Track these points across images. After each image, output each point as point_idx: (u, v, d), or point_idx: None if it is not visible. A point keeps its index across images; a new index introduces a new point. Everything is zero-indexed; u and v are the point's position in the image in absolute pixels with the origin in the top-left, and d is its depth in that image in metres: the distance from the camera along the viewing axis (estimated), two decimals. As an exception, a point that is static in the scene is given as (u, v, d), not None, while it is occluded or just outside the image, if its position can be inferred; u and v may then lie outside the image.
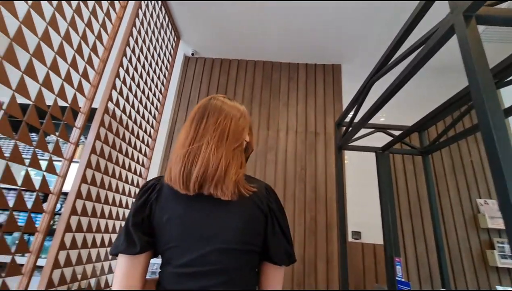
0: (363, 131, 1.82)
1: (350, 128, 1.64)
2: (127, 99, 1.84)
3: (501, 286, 2.27)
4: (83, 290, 1.56)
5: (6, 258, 1.08)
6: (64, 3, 1.30)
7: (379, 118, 2.66)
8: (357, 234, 2.41)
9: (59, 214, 1.44)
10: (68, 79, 1.33)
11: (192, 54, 2.91)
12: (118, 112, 1.78)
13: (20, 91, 1.08)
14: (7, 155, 1.04)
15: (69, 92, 1.34)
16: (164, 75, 2.46)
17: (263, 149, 2.62)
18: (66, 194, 1.41)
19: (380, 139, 1.94)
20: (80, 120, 1.43)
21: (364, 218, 2.45)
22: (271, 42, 2.69)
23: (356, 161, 2.62)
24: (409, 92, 2.71)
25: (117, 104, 1.73)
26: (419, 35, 0.97)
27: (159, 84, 2.36)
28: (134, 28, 1.86)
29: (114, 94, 1.70)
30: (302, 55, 2.85)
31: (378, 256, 2.29)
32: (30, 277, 1.17)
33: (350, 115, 1.66)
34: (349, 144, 1.78)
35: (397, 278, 1.43)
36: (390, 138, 1.77)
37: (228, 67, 2.95)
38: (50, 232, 1.30)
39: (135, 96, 1.95)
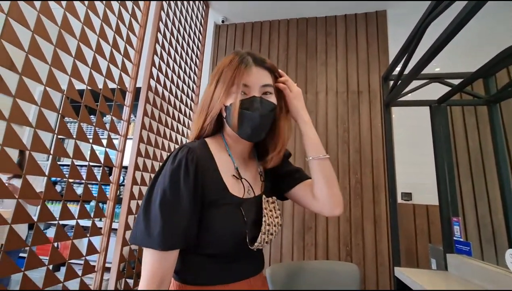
0: (414, 84, 1.63)
1: (399, 81, 1.48)
2: (166, 75, 1.90)
3: None
4: None
5: (87, 223, 1.28)
6: (98, -15, 1.33)
7: (433, 68, 2.34)
8: (407, 195, 2.30)
9: (123, 185, 1.63)
10: (112, 60, 1.41)
11: (223, 21, 2.83)
12: (160, 89, 1.86)
13: (75, 76, 1.18)
14: (74, 135, 1.18)
15: (115, 73, 1.43)
16: (198, 47, 2.46)
17: (302, 113, 2.54)
18: (126, 167, 1.58)
19: (433, 92, 1.72)
20: (128, 99, 1.54)
21: (415, 178, 2.30)
22: (305, -4, 2.46)
23: (403, 118, 2.39)
24: (468, 32, 2.30)
25: (158, 81, 1.80)
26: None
27: (194, 57, 2.38)
28: (164, 2, 1.85)
29: (154, 71, 1.76)
30: (340, 5, 2.57)
31: (432, 217, 2.17)
32: (108, 237, 1.38)
33: (398, 68, 1.49)
34: (398, 99, 1.62)
35: (454, 238, 1.35)
36: (446, 90, 1.56)
37: (260, 31, 2.82)
38: (118, 200, 1.49)
39: (173, 71, 2.00)
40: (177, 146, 2.08)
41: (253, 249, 0.57)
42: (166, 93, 1.93)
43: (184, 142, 2.21)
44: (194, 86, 2.40)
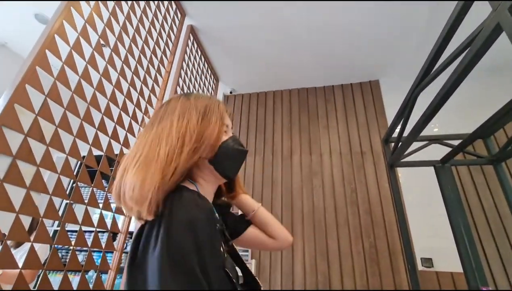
0: (415, 145, 1.69)
1: (400, 143, 1.55)
2: (177, 141, 2.02)
3: None
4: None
5: (86, 295, 1.20)
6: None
7: (432, 129, 2.45)
8: (428, 261, 2.12)
9: (126, 253, 1.57)
10: (130, 130, 1.53)
11: (231, 92, 3.13)
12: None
13: (95, 145, 1.27)
14: (86, 200, 1.21)
15: (131, 140, 1.54)
16: (208, 115, 2.67)
17: (307, 174, 2.57)
18: (131, 233, 1.55)
19: (436, 151, 1.76)
20: (140, 164, 1.61)
21: (434, 242, 2.16)
22: (304, 70, 2.77)
23: (411, 178, 2.39)
24: (461, 97, 2.47)
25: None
26: (461, 38, 0.92)
27: (204, 124, 2.57)
28: (180, 79, 2.10)
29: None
30: (336, 76, 2.86)
31: (460, 286, 1.96)
32: (105, 313, 1.27)
33: (397, 130, 1.57)
34: (402, 160, 1.66)
35: (489, 313, 1.20)
36: (448, 149, 1.61)
37: (264, 99, 3.08)
38: (120, 270, 1.42)
39: (184, 137, 2.14)
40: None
41: None
42: (176, 158, 2.02)
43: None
44: (203, 150, 2.52)
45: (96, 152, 1.29)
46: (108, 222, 1.34)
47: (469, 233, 1.38)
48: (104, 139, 1.36)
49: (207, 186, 0.58)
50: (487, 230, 2.13)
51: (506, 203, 2.20)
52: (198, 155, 0.53)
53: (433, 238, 2.15)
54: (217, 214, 0.59)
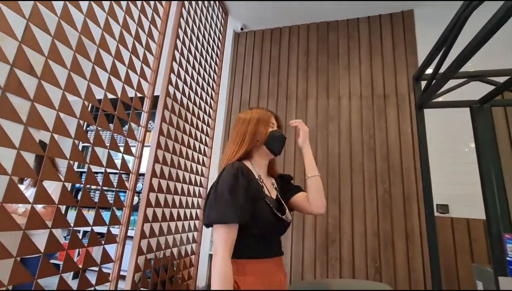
0: (448, 84, 1.47)
1: (434, 81, 1.34)
2: (185, 82, 1.89)
3: None
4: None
5: (104, 229, 1.25)
6: (118, -8, 1.35)
7: (467, 68, 2.15)
8: (443, 208, 2.08)
9: (140, 193, 1.60)
10: (131, 66, 1.41)
11: (242, 28, 2.82)
12: (178, 95, 1.84)
13: (93, 81, 1.18)
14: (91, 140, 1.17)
15: (134, 79, 1.42)
16: (217, 54, 2.46)
17: (323, 119, 2.43)
18: (143, 174, 1.56)
19: (470, 93, 1.54)
20: (146, 105, 1.53)
21: (451, 189, 2.08)
22: (325, -1, 2.39)
23: (434, 122, 2.19)
24: (505, 28, 2.09)
25: (176, 87, 1.79)
26: None
27: (213, 64, 2.37)
28: (183, 9, 1.86)
29: (173, 78, 1.75)
30: (363, 6, 2.47)
31: (474, 233, 1.94)
32: (123, 244, 1.34)
33: (430, 69, 1.36)
34: (432, 101, 1.48)
35: (508, 259, 1.16)
36: (481, 90, 1.40)
37: (279, 37, 2.78)
38: (134, 208, 1.47)
39: (192, 78, 1.99)
40: (195, 153, 2.05)
41: (278, 236, 0.90)
42: (185, 100, 1.92)
43: (203, 149, 2.17)
44: (213, 93, 2.38)
45: (98, 94, 1.20)
46: (118, 162, 1.33)
47: (500, 180, 1.27)
48: (103, 76, 1.25)
49: (260, 159, 0.95)
50: (514, 178, 2.01)
51: (541, 150, 2.02)
52: (254, 141, 0.92)
53: (451, 185, 2.07)
54: (255, 173, 0.91)
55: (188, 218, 1.95)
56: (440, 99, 1.64)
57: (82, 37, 1.13)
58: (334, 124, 2.39)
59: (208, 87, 2.28)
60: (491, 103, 1.39)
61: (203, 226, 2.05)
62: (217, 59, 2.47)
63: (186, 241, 1.93)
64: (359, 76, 2.44)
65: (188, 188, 1.97)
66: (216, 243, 0.74)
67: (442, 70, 1.23)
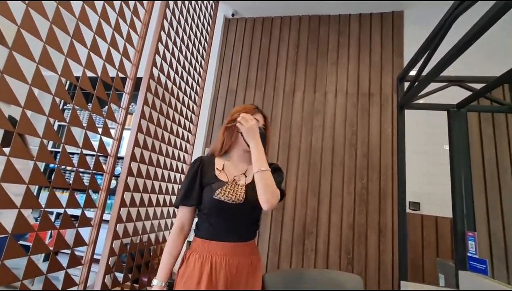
0: (430, 87, 1.53)
1: (416, 83, 1.38)
2: (170, 65, 1.83)
3: None
4: (144, 243, 1.72)
5: (78, 212, 1.21)
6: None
7: (448, 73, 2.23)
8: (415, 205, 2.19)
9: (116, 176, 1.56)
10: (113, 44, 1.34)
11: (233, 14, 2.75)
12: (163, 79, 1.79)
13: (71, 56, 1.11)
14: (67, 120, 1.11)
15: (116, 57, 1.36)
16: (205, 39, 2.39)
17: (309, 113, 2.45)
18: (122, 158, 1.52)
19: (445, 98, 1.61)
20: (128, 86, 1.47)
21: (424, 188, 2.19)
22: (319, -8, 2.38)
23: (415, 123, 2.28)
24: (488, 36, 2.18)
25: (161, 70, 1.73)
26: None
27: (201, 49, 2.31)
28: (172, -12, 1.78)
29: (158, 60, 1.69)
30: (355, 4, 2.47)
31: (441, 230, 2.06)
32: (98, 228, 1.31)
33: (416, 68, 1.39)
34: (413, 102, 1.52)
35: (469, 254, 1.24)
36: (460, 95, 1.46)
37: (270, 26, 2.74)
38: (112, 191, 1.43)
39: (178, 62, 1.93)
40: (178, 139, 2.01)
41: (235, 221, 0.94)
42: (170, 84, 1.86)
43: (186, 136, 2.14)
44: (200, 79, 2.33)
45: (76, 71, 1.14)
46: (96, 144, 1.28)
47: (469, 182, 1.35)
48: (83, 52, 1.18)
49: (238, 150, 1.03)
50: (482, 181, 2.14)
51: (507, 157, 2.16)
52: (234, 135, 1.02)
53: (424, 184, 2.18)
54: (219, 164, 1.01)
55: (168, 204, 1.93)
56: (421, 101, 1.70)
57: (61, 9, 1.06)
58: (319, 119, 2.42)
59: (195, 73, 2.22)
60: (467, 108, 1.45)
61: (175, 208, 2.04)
62: (206, 44, 2.40)
63: (165, 227, 1.91)
64: (347, 73, 2.47)
65: (169, 174, 1.94)
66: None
67: (425, 72, 1.26)
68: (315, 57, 2.57)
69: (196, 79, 2.25)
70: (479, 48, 2.12)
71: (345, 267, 2.09)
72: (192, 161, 0.96)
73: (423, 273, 2.04)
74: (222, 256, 0.89)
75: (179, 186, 0.96)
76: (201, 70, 2.34)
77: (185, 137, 2.13)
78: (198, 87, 2.30)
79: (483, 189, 2.13)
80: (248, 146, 0.95)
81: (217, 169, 0.98)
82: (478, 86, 1.45)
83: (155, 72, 1.68)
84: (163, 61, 1.75)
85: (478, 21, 0.88)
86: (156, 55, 1.65)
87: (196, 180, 0.94)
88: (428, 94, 1.55)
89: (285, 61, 2.62)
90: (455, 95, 1.52)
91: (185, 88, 2.07)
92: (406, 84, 1.57)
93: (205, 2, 2.32)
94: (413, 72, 1.52)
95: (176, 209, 0.95)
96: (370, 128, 2.32)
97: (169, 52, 1.81)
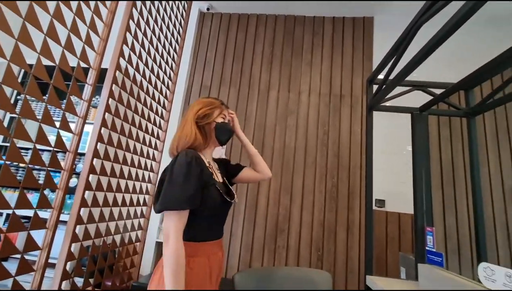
0: (397, 91, 1.61)
1: (384, 86, 1.45)
2: (140, 57, 1.73)
3: (537, 260, 2.11)
4: (108, 245, 1.62)
5: (31, 213, 1.10)
6: None
7: (413, 78, 2.38)
8: (380, 202, 2.30)
9: (77, 174, 1.44)
10: (74, 30, 1.23)
11: (208, 9, 2.69)
12: (131, 71, 1.69)
13: (24, 41, 1.00)
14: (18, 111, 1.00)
15: (77, 45, 1.25)
16: (179, 32, 2.30)
17: (283, 112, 2.47)
18: (82, 154, 1.40)
19: (413, 100, 1.71)
20: (91, 77, 1.36)
21: (389, 186, 2.32)
22: (295, -8, 2.40)
23: (379, 126, 2.41)
24: (448, 46, 2.37)
25: (129, 61, 1.64)
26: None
27: (174, 43, 2.22)
28: (143, -25, 1.68)
29: (126, 50, 1.59)
30: (329, 6, 2.53)
31: (403, 225, 2.19)
32: (54, 230, 1.20)
33: (384, 72, 1.46)
34: (381, 104, 1.60)
35: (427, 248, 1.33)
36: (425, 99, 1.56)
37: (246, 23, 2.72)
38: (72, 190, 1.31)
39: (148, 54, 1.84)
40: (147, 135, 1.92)
41: (224, 219, 0.99)
42: (138, 77, 1.77)
43: (156, 132, 2.04)
44: (172, 73, 2.24)
45: (31, 59, 1.03)
46: (53, 139, 1.17)
47: (429, 181, 1.44)
48: (38, 37, 1.07)
49: (209, 146, 1.01)
50: (439, 179, 2.31)
51: (461, 157, 2.35)
52: (207, 129, 1.00)
53: (389, 183, 2.30)
54: (205, 160, 0.96)
55: (135, 204, 1.83)
56: (388, 103, 1.78)
57: (10, -14, 0.94)
58: (293, 119, 2.45)
59: (167, 67, 2.13)
60: (428, 112, 1.55)
61: (151, 212, 1.96)
62: (179, 37, 2.32)
63: (131, 227, 1.81)
64: (320, 74, 2.53)
65: (136, 172, 1.84)
66: (168, 228, 0.78)
67: (392, 76, 1.32)
68: (290, 57, 2.59)
69: (168, 73, 2.16)
70: (441, 56, 2.27)
71: (315, 263, 2.14)
72: (190, 157, 0.84)
73: (386, 267, 2.16)
74: (215, 254, 0.90)
75: (162, 186, 0.84)
76: (174, 64, 2.25)
77: (155, 134, 2.04)
78: (170, 82, 2.21)
79: (440, 186, 2.30)
80: (221, 143, 1.01)
81: (208, 167, 0.94)
82: (438, 91, 1.56)
83: (122, 63, 1.58)
84: (131, 52, 1.65)
85: (435, 34, 0.94)
86: (124, 45, 1.55)
87: (200, 179, 0.85)
88: (395, 97, 1.64)
89: (261, 59, 2.61)
90: (419, 99, 1.62)
91: (155, 82, 1.97)
92: (375, 87, 1.64)
93: (178, -7, 2.23)
94: (381, 76, 1.59)
95: (163, 213, 0.81)
96: (341, 128, 2.39)
97: (138, 43, 1.71)
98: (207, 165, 0.94)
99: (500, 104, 1.38)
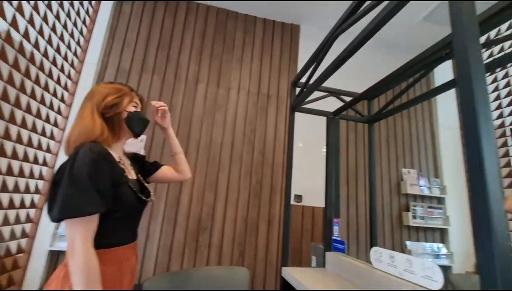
0: (316, 95, 1.76)
1: (305, 89, 1.55)
2: (31, 22, 1.38)
3: (409, 241, 2.67)
4: None
5: None
6: None
7: (329, 84, 2.66)
8: (298, 198, 2.49)
9: None
10: None
11: (130, -17, 2.37)
12: (17, 37, 1.33)
13: None
14: None
15: None
16: (90, 3, 1.95)
17: (211, 107, 2.40)
18: None
19: (329, 106, 1.92)
20: None
21: (306, 182, 2.53)
22: (228, -15, 2.35)
23: (300, 127, 2.63)
24: (357, 63, 2.76)
25: (26, 36, 1.28)
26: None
27: (82, 12, 1.87)
28: None
29: (22, 23, 1.24)
30: (261, 7, 2.59)
31: (316, 218, 2.43)
32: None
33: (307, 76, 1.56)
34: (303, 106, 1.71)
35: (333, 237, 1.50)
36: (340, 105, 1.76)
37: (175, 9, 2.52)
38: None
39: (45, 20, 1.48)
40: (40, 121, 1.55)
41: (139, 220, 0.90)
42: (29, 47, 1.41)
43: (53, 118, 1.68)
44: (78, 48, 1.88)
45: None
46: None
47: (338, 177, 1.62)
48: None
49: (122, 141, 0.90)
50: (345, 176, 2.66)
51: (363, 157, 2.77)
52: (115, 119, 0.86)
53: (306, 180, 2.52)
54: (115, 155, 0.83)
55: (18, 206, 1.46)
56: (310, 106, 1.93)
57: None
58: (221, 114, 2.41)
59: (72, 40, 1.78)
60: (340, 116, 1.74)
61: (42, 215, 1.60)
62: (90, 7, 1.97)
63: (11, 236, 1.44)
64: (250, 72, 2.56)
65: (21, 165, 1.47)
66: (73, 238, 0.65)
67: (312, 81, 1.43)
68: (221, 51, 2.53)
69: (74, 49, 1.81)
70: (354, 71, 2.61)
71: (237, 258, 2.16)
72: (96, 152, 0.71)
73: (301, 256, 2.35)
74: (127, 259, 0.81)
75: (58, 187, 0.67)
76: (82, 38, 1.90)
77: (52, 121, 1.68)
78: (75, 59, 1.85)
79: (346, 182, 2.65)
80: (135, 134, 0.90)
81: (119, 162, 0.83)
82: (348, 99, 1.77)
83: (3, 25, 1.22)
84: (18, 14, 1.29)
85: (344, 49, 1.05)
86: (18, 13, 1.20)
87: (109, 177, 0.73)
88: (315, 101, 1.78)
89: (190, 48, 2.46)
90: (336, 105, 1.81)
91: (54, 56, 1.62)
92: (298, 90, 1.75)
93: (92, -44, 1.89)
94: (304, 80, 1.70)
95: (53, 221, 0.67)
96: (267, 127, 2.48)
97: (30, 4, 1.36)
98: (118, 160, 0.83)
99: (391, 115, 1.66)
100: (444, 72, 2.64)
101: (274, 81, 2.59)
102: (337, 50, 1.21)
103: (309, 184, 2.49)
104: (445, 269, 2.61)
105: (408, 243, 2.67)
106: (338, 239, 1.48)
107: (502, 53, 2.20)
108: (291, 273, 1.28)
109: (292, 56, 2.67)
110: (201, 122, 2.35)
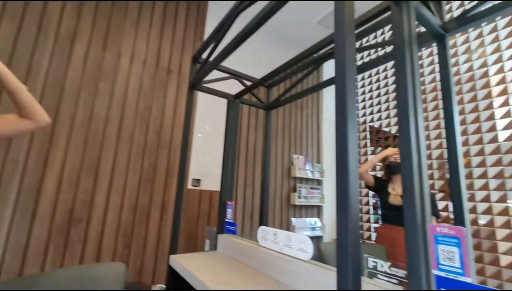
0: (219, 76, 1.69)
1: (205, 66, 1.46)
2: None
3: (294, 218, 3.05)
4: None
5: None
6: None
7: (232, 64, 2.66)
8: (196, 181, 2.42)
9: None
10: None
11: None
12: None
13: None
14: None
15: None
16: None
17: (93, 74, 1.97)
18: None
19: (233, 91, 1.90)
20: None
21: (206, 167, 2.48)
22: None
23: (208, 110, 2.55)
24: (264, 55, 2.87)
25: None
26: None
27: None
28: None
29: None
30: (165, -32, 2.28)
31: (214, 201, 2.42)
32: None
33: (207, 53, 1.46)
34: (204, 85, 1.61)
35: (226, 220, 1.50)
36: (241, 88, 1.77)
37: None
38: None
39: None
40: None
41: None
42: None
43: None
44: None
45: None
46: None
47: (234, 161, 1.62)
48: None
49: None
50: (244, 160, 2.75)
51: (261, 143, 2.93)
52: None
53: (205, 164, 2.46)
54: None
55: None
56: (211, 86, 1.84)
57: None
58: (107, 84, 2.01)
59: None
60: (240, 100, 1.74)
61: None
62: None
63: None
64: (147, 41, 2.23)
65: None
66: None
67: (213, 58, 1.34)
68: (110, 8, 2.09)
69: None
70: (260, 61, 2.65)
71: (122, 251, 1.91)
72: None
73: (196, 241, 2.31)
74: None
75: None
76: None
77: None
78: None
79: (244, 165, 2.75)
80: None
81: None
82: (249, 84, 1.78)
83: None
84: None
85: (241, 30, 1.02)
86: None
87: None
88: (215, 81, 1.71)
89: (64, -6, 1.91)
90: (237, 88, 1.79)
91: None
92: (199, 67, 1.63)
93: None
94: (205, 56, 1.60)
95: None
96: (166, 106, 2.25)
97: None
98: None
99: (286, 103, 1.77)
100: (331, 71, 3.07)
101: (177, 56, 2.36)
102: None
103: (208, 168, 2.45)
104: (318, 239, 3.14)
105: (293, 219, 3.04)
106: (231, 221, 1.50)
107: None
108: (178, 260, 1.20)
109: (197, 33, 2.49)
110: (78, 92, 1.89)
